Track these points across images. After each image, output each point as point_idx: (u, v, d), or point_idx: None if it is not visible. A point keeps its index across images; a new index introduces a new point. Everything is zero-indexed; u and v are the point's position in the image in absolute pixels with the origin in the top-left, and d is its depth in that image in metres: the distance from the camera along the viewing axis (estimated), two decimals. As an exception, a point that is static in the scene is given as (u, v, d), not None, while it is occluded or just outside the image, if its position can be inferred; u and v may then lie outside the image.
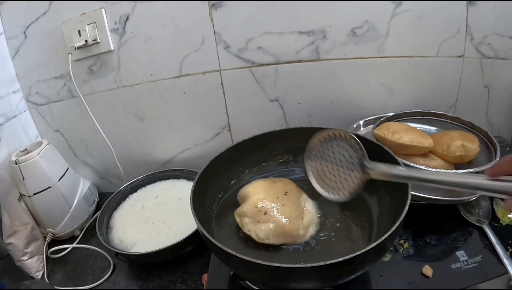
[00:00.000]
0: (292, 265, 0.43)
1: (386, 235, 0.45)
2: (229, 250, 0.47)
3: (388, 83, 0.87)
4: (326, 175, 0.58)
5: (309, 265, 0.43)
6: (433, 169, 0.66)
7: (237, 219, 0.63)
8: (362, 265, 0.47)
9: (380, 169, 0.51)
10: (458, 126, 0.77)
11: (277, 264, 0.43)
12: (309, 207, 0.66)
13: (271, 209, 0.61)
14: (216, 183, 0.69)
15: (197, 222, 0.53)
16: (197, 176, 0.62)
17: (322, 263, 0.42)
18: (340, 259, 0.42)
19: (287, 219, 0.60)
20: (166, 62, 0.87)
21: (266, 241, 0.59)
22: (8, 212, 0.81)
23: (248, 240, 0.61)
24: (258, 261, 0.45)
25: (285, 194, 0.64)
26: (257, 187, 0.65)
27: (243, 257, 0.45)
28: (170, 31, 0.84)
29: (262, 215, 0.60)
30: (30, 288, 0.75)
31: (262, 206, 0.61)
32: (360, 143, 0.53)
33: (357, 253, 0.43)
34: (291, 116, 0.92)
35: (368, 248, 0.43)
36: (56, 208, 0.89)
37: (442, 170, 0.67)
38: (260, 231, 0.59)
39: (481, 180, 0.40)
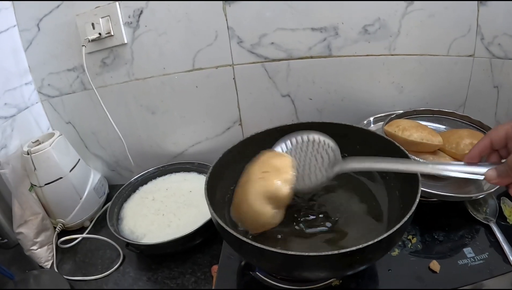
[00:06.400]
0: (306, 253, 0.44)
1: (399, 225, 0.45)
2: (243, 238, 0.47)
3: (398, 81, 0.87)
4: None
5: (322, 253, 0.43)
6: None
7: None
8: (373, 255, 0.48)
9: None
10: (467, 125, 0.78)
11: (292, 252, 0.44)
12: None
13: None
14: (228, 176, 0.69)
15: (212, 211, 0.53)
16: (211, 168, 0.62)
17: (336, 252, 0.43)
18: (353, 248, 0.43)
19: None
20: (179, 56, 0.88)
21: None
22: (19, 202, 0.82)
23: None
24: (273, 249, 0.45)
25: None
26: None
27: (258, 245, 0.46)
28: (183, 26, 0.85)
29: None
30: (39, 278, 0.76)
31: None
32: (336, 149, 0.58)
33: (370, 242, 0.43)
34: (302, 112, 0.93)
35: (381, 237, 0.44)
36: (66, 199, 0.90)
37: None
38: None
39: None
